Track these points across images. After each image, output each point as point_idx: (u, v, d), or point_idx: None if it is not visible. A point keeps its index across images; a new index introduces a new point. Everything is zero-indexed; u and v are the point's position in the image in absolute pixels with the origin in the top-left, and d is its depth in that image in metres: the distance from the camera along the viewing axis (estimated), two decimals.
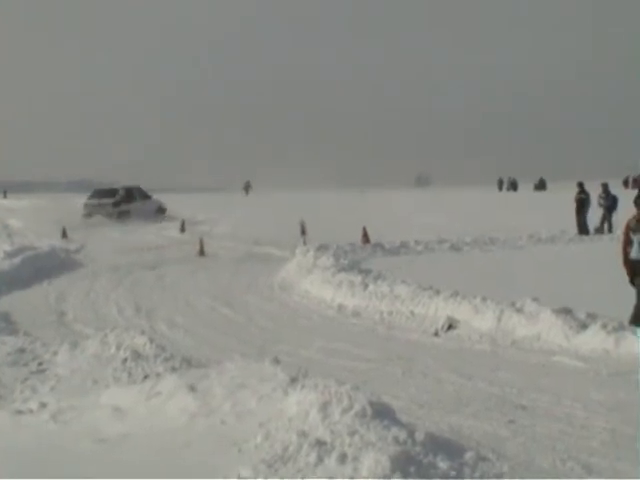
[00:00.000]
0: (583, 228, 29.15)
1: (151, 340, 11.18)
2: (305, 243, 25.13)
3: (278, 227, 31.21)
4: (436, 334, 12.95)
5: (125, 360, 10.31)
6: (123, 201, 44.63)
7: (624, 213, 16.54)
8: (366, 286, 15.97)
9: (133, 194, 45.75)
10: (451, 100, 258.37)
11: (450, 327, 13.01)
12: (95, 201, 44.59)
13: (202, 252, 27.00)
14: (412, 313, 14.16)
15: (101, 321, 14.85)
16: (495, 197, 59.54)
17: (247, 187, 78.63)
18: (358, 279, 16.54)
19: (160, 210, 45.51)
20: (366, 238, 26.67)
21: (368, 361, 11.30)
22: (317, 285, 17.45)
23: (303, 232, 27.99)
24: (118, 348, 10.76)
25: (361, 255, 22.75)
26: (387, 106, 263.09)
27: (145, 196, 46.52)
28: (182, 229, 36.23)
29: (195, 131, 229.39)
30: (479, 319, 12.89)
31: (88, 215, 43.16)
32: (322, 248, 21.85)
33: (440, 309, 13.69)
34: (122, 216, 42.83)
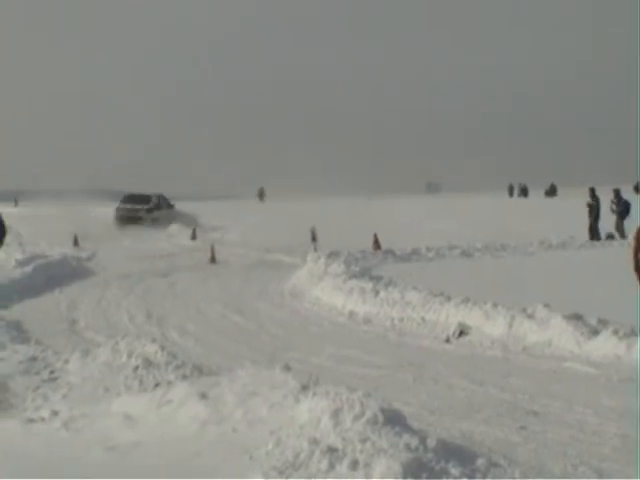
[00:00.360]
0: (594, 234, 29.12)
1: (162, 348, 11.17)
2: (316, 250, 25.15)
3: (289, 234, 31.26)
4: (447, 340, 12.94)
5: (136, 368, 10.31)
6: (155, 208, 45.03)
7: (637, 219, 16.53)
8: (377, 293, 15.96)
9: (160, 202, 46.17)
10: (451, 100, 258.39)
11: (461, 333, 13.00)
12: (129, 206, 45.14)
13: (213, 259, 27.03)
14: (423, 319, 14.15)
15: (112, 329, 14.85)
16: (506, 203, 59.47)
17: (261, 194, 78.87)
18: (369, 286, 16.53)
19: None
20: (377, 245, 26.69)
21: (379, 368, 11.29)
22: (328, 292, 17.44)
23: (314, 239, 28.03)
24: (129, 356, 10.76)
25: (372, 262, 22.74)
26: (387, 106, 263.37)
27: (169, 205, 46.93)
28: (193, 236, 36.35)
29: (195, 131, 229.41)
30: (490, 325, 12.87)
31: (121, 219, 43.56)
32: (333, 255, 21.86)
33: (451, 315, 13.68)
34: (154, 222, 43.26)
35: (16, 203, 69.07)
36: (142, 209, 44.63)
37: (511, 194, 78.39)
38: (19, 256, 24.94)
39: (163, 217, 44.35)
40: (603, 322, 11.70)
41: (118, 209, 44.97)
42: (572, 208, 34.16)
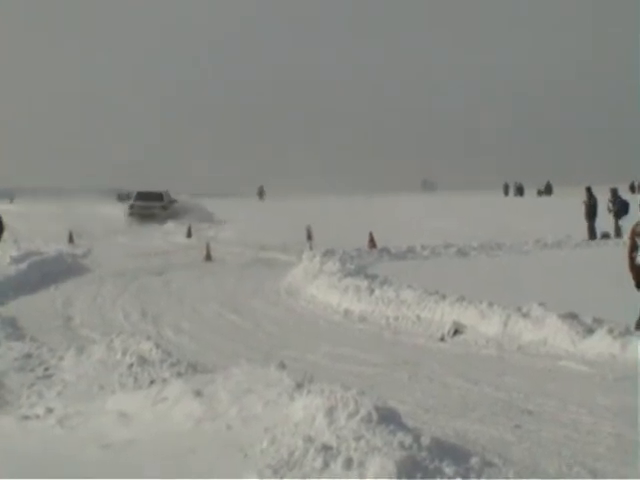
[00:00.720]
0: (591, 233, 29.13)
1: (157, 345, 11.18)
2: (311, 248, 25.14)
3: (285, 232, 31.25)
4: (442, 339, 12.94)
5: (131, 365, 10.31)
6: (168, 204, 45.38)
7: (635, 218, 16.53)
8: (372, 291, 15.96)
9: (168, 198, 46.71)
10: (451, 100, 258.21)
11: (456, 332, 13.01)
12: (143, 203, 45.61)
13: (209, 257, 27.03)
14: (418, 318, 14.15)
15: (107, 326, 14.85)
16: (501, 202, 59.49)
17: (261, 192, 78.99)
18: (364, 284, 16.53)
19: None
20: (372, 243, 26.70)
21: (374, 366, 11.29)
22: (323, 290, 17.44)
23: (309, 237, 28.02)
24: (124, 353, 10.76)
25: (367, 260, 22.77)
26: (387, 106, 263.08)
27: (172, 200, 47.34)
28: (189, 234, 36.33)
29: (195, 131, 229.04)
30: (485, 324, 12.88)
31: (134, 215, 44.16)
32: (328, 253, 21.87)
33: (446, 314, 13.68)
34: (167, 218, 43.61)
35: (11, 200, 68.99)
36: (157, 206, 45.29)
37: (506, 193, 78.34)
38: (14, 253, 24.91)
39: (174, 212, 44.78)
40: (598, 321, 11.71)
41: (133, 206, 45.52)
42: (570, 207, 34.17)
